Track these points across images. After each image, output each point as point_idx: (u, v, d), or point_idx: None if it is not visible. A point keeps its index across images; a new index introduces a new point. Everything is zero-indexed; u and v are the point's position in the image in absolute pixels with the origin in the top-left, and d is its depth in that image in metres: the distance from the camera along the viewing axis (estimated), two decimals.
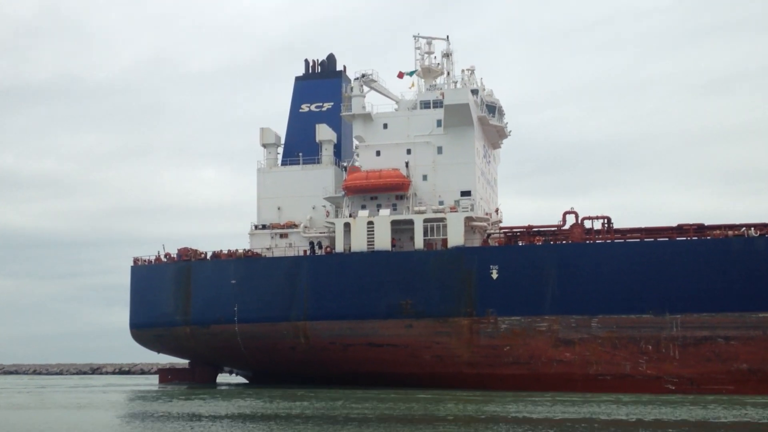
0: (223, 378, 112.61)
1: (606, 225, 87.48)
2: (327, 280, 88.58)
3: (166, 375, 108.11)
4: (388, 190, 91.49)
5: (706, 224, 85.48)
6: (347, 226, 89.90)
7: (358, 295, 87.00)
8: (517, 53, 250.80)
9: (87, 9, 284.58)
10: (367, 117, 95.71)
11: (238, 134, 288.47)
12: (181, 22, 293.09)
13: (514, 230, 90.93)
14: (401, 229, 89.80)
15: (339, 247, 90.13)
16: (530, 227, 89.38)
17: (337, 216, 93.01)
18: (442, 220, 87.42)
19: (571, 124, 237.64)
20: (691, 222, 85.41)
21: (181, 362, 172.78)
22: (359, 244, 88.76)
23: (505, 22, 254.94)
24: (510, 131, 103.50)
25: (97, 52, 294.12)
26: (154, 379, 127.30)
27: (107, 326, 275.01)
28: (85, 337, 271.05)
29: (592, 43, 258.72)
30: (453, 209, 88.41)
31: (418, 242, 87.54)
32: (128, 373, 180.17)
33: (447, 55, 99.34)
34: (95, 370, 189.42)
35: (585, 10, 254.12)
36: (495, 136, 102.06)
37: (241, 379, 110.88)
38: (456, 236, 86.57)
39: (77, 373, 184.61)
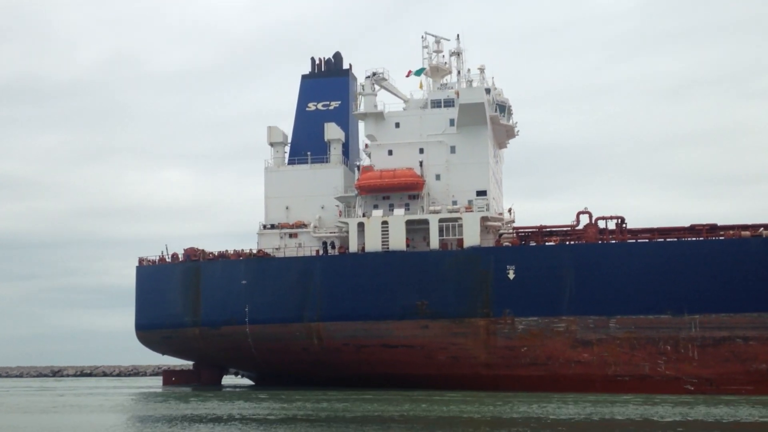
0: (228, 380, 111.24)
1: (619, 225, 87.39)
2: (341, 281, 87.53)
3: (170, 377, 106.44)
4: (403, 189, 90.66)
5: (719, 224, 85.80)
6: (361, 225, 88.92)
7: (373, 295, 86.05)
8: (480, 56, 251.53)
9: (48, 7, 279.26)
10: (378, 116, 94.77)
11: (202, 135, 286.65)
12: (144, 22, 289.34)
13: (527, 230, 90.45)
14: (414, 229, 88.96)
15: (353, 247, 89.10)
16: (542, 227, 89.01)
17: (349, 215, 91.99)
18: (458, 219, 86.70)
19: (533, 128, 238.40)
20: (704, 222, 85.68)
21: (147, 365, 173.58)
22: (373, 244, 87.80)
23: (469, 25, 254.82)
24: (518, 131, 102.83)
25: (58, 51, 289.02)
26: (150, 381, 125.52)
27: (68, 329, 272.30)
28: (45, 339, 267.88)
29: (554, 48, 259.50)
30: (468, 209, 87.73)
31: (433, 242, 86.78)
32: (90, 375, 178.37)
33: (457, 53, 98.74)
34: (56, 373, 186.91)
35: (548, 14, 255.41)
36: (503, 135, 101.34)
37: (246, 381, 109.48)
38: (472, 236, 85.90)
39: (38, 376, 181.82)
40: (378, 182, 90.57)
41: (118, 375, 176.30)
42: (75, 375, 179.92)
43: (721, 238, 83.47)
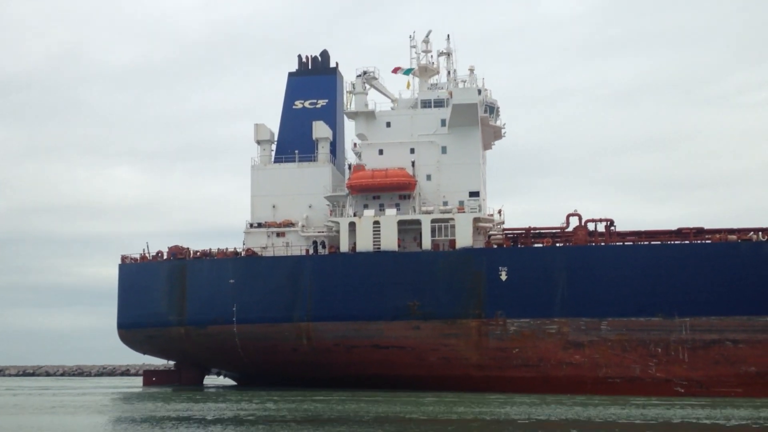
0: (209, 380, 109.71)
1: (608, 228, 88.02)
2: (332, 281, 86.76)
3: (150, 377, 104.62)
4: (394, 189, 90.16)
5: (705, 228, 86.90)
6: (352, 225, 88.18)
7: (364, 295, 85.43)
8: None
9: None
10: (369, 115, 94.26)
11: (154, 133, 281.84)
12: (97, 17, 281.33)
13: (516, 231, 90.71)
14: (405, 229, 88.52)
15: (344, 247, 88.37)
16: (530, 229, 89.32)
17: (339, 215, 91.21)
18: (450, 220, 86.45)
19: None
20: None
21: (91, 365, 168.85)
22: (365, 243, 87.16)
23: (420, 29, 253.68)
24: (505, 132, 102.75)
25: (6, 45, 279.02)
26: (133, 381, 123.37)
27: (11, 327, 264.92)
28: None
29: (508, 52, 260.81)
30: (461, 210, 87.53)
31: (426, 243, 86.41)
32: (32, 375, 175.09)
33: (447, 54, 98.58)
34: None
35: (500, 19, 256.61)
36: (491, 136, 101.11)
37: (228, 382, 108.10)
38: (464, 237, 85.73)
39: None
40: (370, 182, 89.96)
41: (62, 375, 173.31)
42: (17, 375, 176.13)
43: (707, 241, 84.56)
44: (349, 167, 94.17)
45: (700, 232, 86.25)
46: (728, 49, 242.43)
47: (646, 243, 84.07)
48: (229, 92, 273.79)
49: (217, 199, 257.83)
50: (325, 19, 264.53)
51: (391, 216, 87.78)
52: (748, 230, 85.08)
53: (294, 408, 60.59)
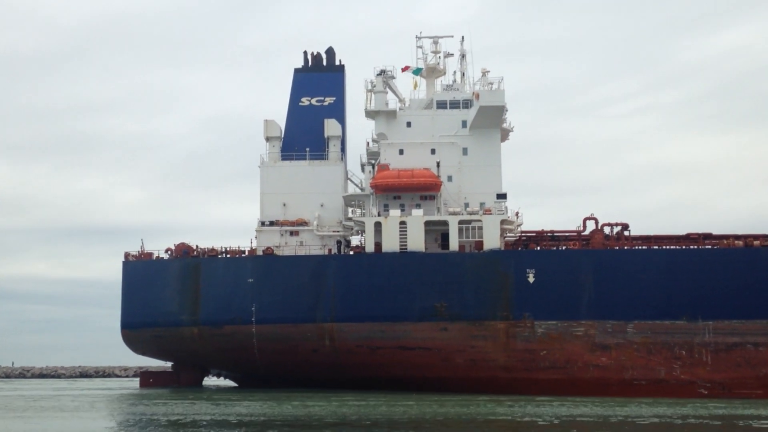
0: (207, 381, 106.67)
1: (621, 232, 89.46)
2: (357, 281, 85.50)
3: (147, 378, 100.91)
4: (420, 189, 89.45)
5: (713, 234, 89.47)
6: (378, 225, 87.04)
7: (390, 296, 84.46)
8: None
9: None
10: (390, 114, 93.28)
11: (18, 124, 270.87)
12: None
13: (531, 234, 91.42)
14: (428, 230, 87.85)
15: (369, 247, 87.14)
16: (544, 231, 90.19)
17: (360, 214, 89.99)
18: (477, 222, 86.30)
19: (358, 136, 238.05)
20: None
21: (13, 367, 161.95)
22: (391, 244, 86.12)
23: (305, 28, 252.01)
24: (511, 135, 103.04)
25: None
26: (125, 383, 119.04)
27: None
28: None
29: (379, 59, 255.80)
30: (487, 211, 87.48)
31: (453, 244, 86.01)
32: None
33: (462, 55, 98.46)
34: None
35: (375, 25, 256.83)
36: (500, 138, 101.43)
37: (228, 383, 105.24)
38: (492, 239, 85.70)
39: None
40: (396, 181, 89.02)
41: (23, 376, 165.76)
42: None
43: (716, 246, 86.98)
44: (373, 166, 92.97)
45: (707, 237, 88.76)
46: (595, 62, 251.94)
47: (674, 247, 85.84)
48: (100, 85, 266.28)
49: (86, 196, 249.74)
50: (206, 11, 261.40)
51: (418, 216, 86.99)
52: (755, 236, 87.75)
53: (367, 413, 59.21)
